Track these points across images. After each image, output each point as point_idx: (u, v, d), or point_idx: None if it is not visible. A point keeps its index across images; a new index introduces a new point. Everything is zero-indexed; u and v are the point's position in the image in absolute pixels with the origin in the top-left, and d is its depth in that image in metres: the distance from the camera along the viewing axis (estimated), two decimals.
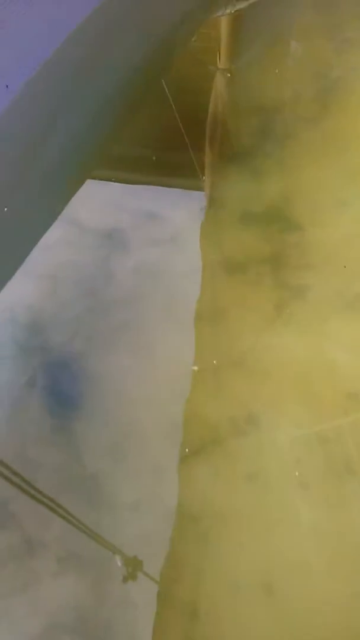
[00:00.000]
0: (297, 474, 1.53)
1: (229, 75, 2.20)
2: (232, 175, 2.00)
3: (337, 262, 1.81)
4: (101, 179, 2.11)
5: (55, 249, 1.92)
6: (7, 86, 1.93)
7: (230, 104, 2.15)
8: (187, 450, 1.57)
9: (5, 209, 1.88)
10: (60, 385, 1.67)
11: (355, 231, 1.86)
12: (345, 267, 1.77)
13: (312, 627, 1.34)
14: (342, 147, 1.98)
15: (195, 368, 1.69)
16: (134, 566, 1.43)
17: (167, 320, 1.77)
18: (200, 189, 2.03)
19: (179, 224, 1.95)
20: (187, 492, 1.53)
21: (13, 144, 1.99)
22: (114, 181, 2.10)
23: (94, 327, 1.77)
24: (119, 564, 1.43)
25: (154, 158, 2.08)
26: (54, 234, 1.94)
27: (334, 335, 1.71)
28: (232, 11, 2.40)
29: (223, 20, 2.39)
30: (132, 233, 1.94)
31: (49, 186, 2.02)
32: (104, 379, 1.68)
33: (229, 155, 2.05)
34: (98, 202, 2.03)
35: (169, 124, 2.10)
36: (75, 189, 2.02)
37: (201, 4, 2.38)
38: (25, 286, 1.85)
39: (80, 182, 2.03)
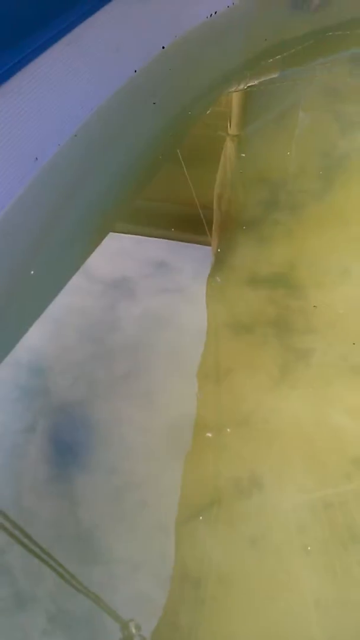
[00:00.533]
0: (300, 540, 1.51)
1: (239, 149, 2.33)
2: (239, 239, 2.08)
3: (341, 328, 1.86)
4: (115, 232, 2.19)
5: (61, 294, 1.95)
6: (36, 159, 2.05)
7: (238, 170, 2.26)
8: (190, 511, 1.55)
9: (32, 272, 1.94)
10: (60, 432, 1.66)
11: (356, 297, 1.92)
12: (354, 344, 1.82)
13: None
14: (344, 219, 2.08)
15: (199, 426, 1.69)
16: (127, 627, 1.38)
17: (170, 371, 1.79)
18: (208, 245, 2.10)
19: (187, 276, 2.00)
20: (189, 554, 1.50)
21: (39, 211, 2.10)
22: (127, 233, 2.18)
23: (97, 373, 1.78)
24: (121, 626, 1.38)
25: (165, 215, 2.17)
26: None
27: (338, 399, 1.74)
28: (245, 87, 2.57)
29: (236, 94, 2.56)
30: (140, 282, 1.99)
31: (70, 245, 2.10)
32: (104, 428, 1.67)
33: (236, 219, 2.14)
34: (108, 251, 2.09)
35: (182, 182, 2.21)
36: (95, 245, 2.09)
37: (216, 82, 2.56)
38: (28, 328, 1.87)
39: (101, 239, 2.11)
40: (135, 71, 2.41)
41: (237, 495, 1.58)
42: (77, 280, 1.99)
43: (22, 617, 1.38)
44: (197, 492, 1.60)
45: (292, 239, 2.05)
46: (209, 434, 1.69)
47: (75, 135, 2.22)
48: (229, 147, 2.36)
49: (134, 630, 1.39)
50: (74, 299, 1.95)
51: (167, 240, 2.14)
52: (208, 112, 2.50)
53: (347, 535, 1.51)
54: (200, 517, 1.54)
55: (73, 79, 2.15)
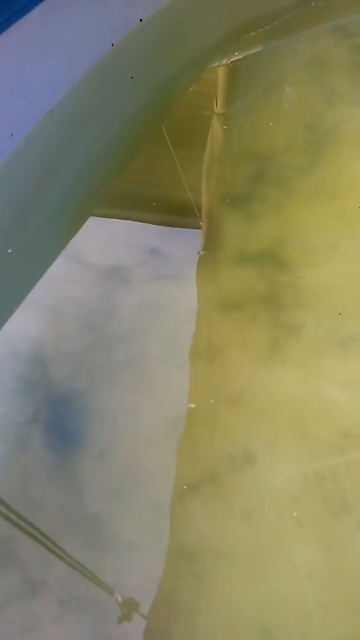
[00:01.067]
0: (293, 512, 1.52)
1: (225, 126, 2.31)
2: (228, 217, 2.06)
3: (330, 302, 1.86)
4: (103, 217, 2.17)
5: (57, 283, 1.95)
6: (12, 134, 2.01)
7: (226, 148, 2.25)
8: (185, 487, 1.56)
9: (10, 251, 1.92)
10: (63, 421, 1.67)
11: (346, 271, 1.92)
12: (340, 314, 1.82)
13: None
14: (332, 194, 2.07)
15: (193, 406, 1.70)
16: (129, 607, 1.40)
17: (169, 357, 1.79)
18: (198, 228, 2.09)
19: (181, 261, 1.99)
20: (184, 531, 1.52)
21: (15, 188, 2.06)
22: (116, 218, 2.16)
23: (96, 362, 1.78)
24: (119, 601, 1.40)
25: (153, 199, 2.15)
26: (56, 269, 1.97)
27: (328, 373, 1.74)
28: (229, 62, 2.53)
29: (219, 69, 2.53)
30: (135, 270, 1.98)
31: (51, 226, 2.07)
32: (105, 416, 1.68)
33: (224, 197, 2.12)
34: (101, 238, 2.07)
35: (169, 164, 2.19)
36: (77, 227, 2.07)
37: (198, 57, 2.52)
38: (26, 319, 1.87)
39: (82, 221, 2.09)
40: (113, 45, 2.35)
41: (230, 470, 1.60)
42: (63, 267, 1.98)
43: (35, 604, 1.40)
44: (191, 469, 1.61)
45: (280, 214, 2.04)
46: (203, 412, 1.70)
47: (52, 111, 2.16)
48: (216, 125, 2.34)
49: (132, 608, 1.40)
50: (47, 282, 1.94)
51: (155, 225, 2.13)
52: (191, 88, 2.47)
53: (339, 506, 1.53)
54: (194, 494, 1.56)
55: (47, 52, 2.09)
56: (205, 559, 1.48)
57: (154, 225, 2.13)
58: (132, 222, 2.13)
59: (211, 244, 2.02)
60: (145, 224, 2.12)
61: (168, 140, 2.22)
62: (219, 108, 2.37)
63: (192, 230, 2.12)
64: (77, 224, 2.07)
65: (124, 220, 2.15)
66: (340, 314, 1.84)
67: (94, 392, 1.72)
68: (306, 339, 1.81)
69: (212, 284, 1.96)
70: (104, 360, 1.79)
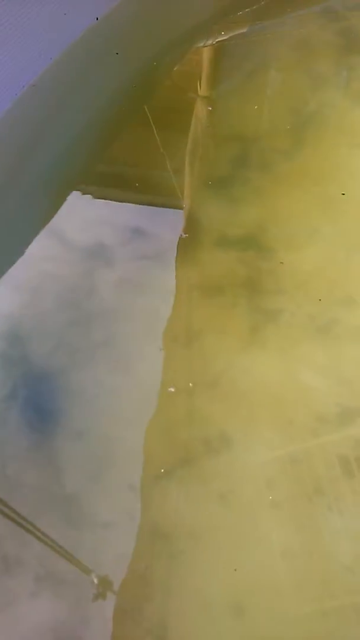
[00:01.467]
0: (268, 494, 1.55)
1: (210, 108, 2.28)
2: (210, 200, 2.06)
3: (309, 288, 1.87)
4: (86, 195, 2.14)
5: (37, 260, 1.93)
6: None
7: (210, 130, 2.23)
8: (162, 470, 1.58)
9: None
10: (41, 399, 1.67)
11: (326, 258, 1.93)
12: (320, 300, 1.83)
13: None
14: (314, 179, 2.07)
15: (172, 389, 1.71)
16: (104, 585, 1.42)
17: (147, 338, 1.79)
18: (181, 209, 2.08)
19: (163, 242, 1.99)
20: (160, 511, 1.54)
21: None
22: (99, 198, 2.14)
23: (75, 340, 1.78)
24: (94, 579, 1.42)
25: (136, 179, 2.13)
26: (37, 246, 1.95)
27: (305, 358, 1.76)
28: (214, 42, 2.50)
29: (205, 50, 2.49)
30: (117, 248, 1.97)
31: (31, 201, 2.04)
32: (83, 395, 1.68)
33: (207, 180, 2.11)
34: (84, 217, 2.05)
35: (152, 145, 2.16)
36: (58, 204, 2.04)
37: (183, 36, 2.48)
38: (4, 295, 1.85)
39: (63, 198, 2.06)
40: (97, 19, 2.29)
41: (207, 453, 1.62)
42: (44, 244, 1.96)
43: (11, 580, 1.41)
44: (168, 451, 1.63)
45: (262, 198, 2.04)
46: (180, 395, 1.71)
47: (34, 85, 2.12)
48: (200, 106, 2.31)
49: (106, 586, 1.43)
50: (27, 259, 1.92)
51: (138, 204, 2.11)
52: (176, 68, 2.44)
53: (312, 489, 1.56)
54: (171, 475, 1.58)
55: (30, 25, 2.04)
56: (180, 539, 1.50)
57: (136, 205, 2.11)
58: (114, 201, 2.12)
59: (193, 227, 2.01)
60: (128, 204, 2.11)
61: (151, 121, 2.20)
62: (203, 90, 2.34)
63: (175, 210, 2.11)
64: (58, 201, 2.04)
65: (106, 200, 2.13)
66: (320, 300, 1.85)
67: (72, 371, 1.72)
68: (285, 325, 1.82)
69: (193, 266, 1.96)
70: (83, 338, 1.78)
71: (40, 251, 1.95)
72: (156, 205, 2.12)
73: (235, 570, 1.46)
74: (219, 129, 2.22)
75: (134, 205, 2.11)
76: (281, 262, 1.85)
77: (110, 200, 2.13)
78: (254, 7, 2.60)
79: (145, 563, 1.48)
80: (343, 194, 1.96)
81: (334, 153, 2.10)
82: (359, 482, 1.56)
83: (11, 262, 1.89)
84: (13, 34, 1.99)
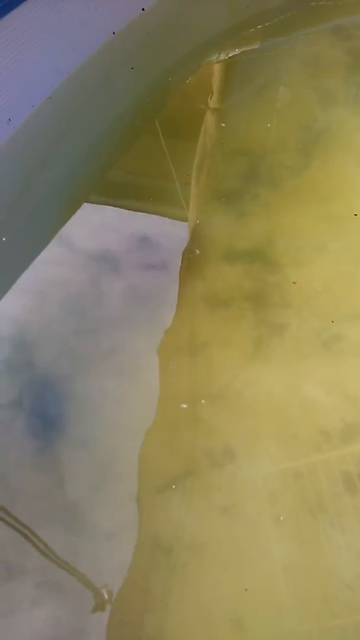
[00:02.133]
0: (271, 509, 1.55)
1: (220, 123, 2.31)
2: (218, 213, 2.07)
3: (315, 303, 1.88)
4: (95, 203, 2.16)
5: (44, 266, 1.94)
6: (9, 120, 2.00)
7: (219, 143, 2.25)
8: (164, 480, 1.58)
9: (4, 239, 1.91)
10: (45, 406, 1.67)
11: (332, 273, 1.94)
12: (333, 322, 1.84)
13: None
14: (322, 195, 2.08)
15: (175, 399, 1.71)
16: (104, 596, 1.42)
17: (153, 347, 1.80)
18: (187, 220, 2.10)
19: (171, 251, 2.00)
20: (161, 523, 1.54)
21: (12, 173, 2.05)
22: (108, 206, 2.15)
23: (81, 348, 1.78)
24: (94, 589, 1.42)
25: (145, 189, 2.15)
26: (44, 252, 1.96)
27: (310, 373, 1.77)
28: (226, 57, 2.53)
29: (216, 64, 2.52)
30: (125, 256, 1.98)
31: (45, 212, 2.06)
32: (88, 403, 1.68)
33: (215, 192, 2.13)
34: (92, 224, 2.06)
35: (162, 156, 2.19)
36: (70, 213, 2.06)
37: (197, 51, 2.51)
38: (10, 300, 1.86)
39: (76, 208, 2.08)
40: (114, 33, 2.33)
41: (210, 466, 1.62)
42: (51, 250, 1.97)
43: (12, 588, 1.41)
44: (171, 462, 1.63)
45: (270, 213, 2.05)
46: (185, 407, 1.71)
47: (50, 97, 2.15)
48: (209, 119, 2.34)
49: (106, 596, 1.42)
50: (35, 265, 1.93)
51: (146, 213, 2.12)
52: (188, 81, 2.46)
53: (315, 504, 1.56)
54: (174, 487, 1.58)
55: (49, 38, 2.07)
56: (182, 552, 1.50)
57: (144, 214, 2.13)
58: (123, 209, 2.13)
59: (200, 239, 2.03)
60: (136, 212, 2.12)
61: (160, 133, 2.22)
62: (213, 102, 2.36)
63: (182, 222, 2.12)
64: (70, 210, 2.06)
65: (115, 208, 2.15)
66: (325, 315, 1.86)
67: (77, 378, 1.72)
68: (290, 339, 1.83)
69: (200, 278, 1.97)
70: (88, 346, 1.79)
71: (48, 257, 1.96)
72: (164, 216, 2.13)
73: (236, 584, 1.46)
74: (228, 143, 2.24)
75: (143, 213, 2.12)
76: (294, 282, 1.87)
77: (119, 207, 2.14)
78: (266, 24, 2.63)
79: (145, 575, 1.48)
80: (355, 215, 1.98)
81: (342, 170, 2.12)
82: None
83: (22, 269, 1.90)
84: (30, 46, 2.02)
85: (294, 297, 1.90)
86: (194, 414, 1.71)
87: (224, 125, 2.29)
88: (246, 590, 1.44)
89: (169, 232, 2.07)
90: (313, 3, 2.71)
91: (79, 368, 1.74)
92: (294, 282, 1.85)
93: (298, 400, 1.73)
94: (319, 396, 1.73)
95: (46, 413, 1.66)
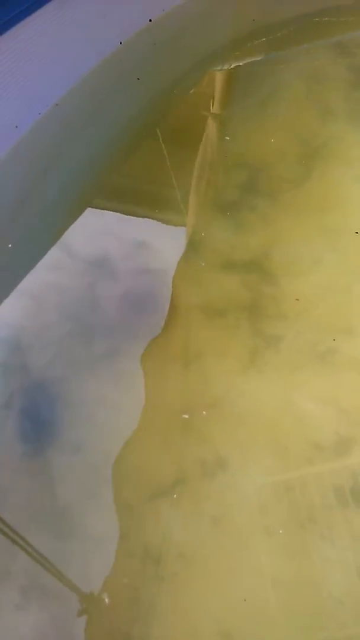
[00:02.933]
0: (261, 520, 1.55)
1: (221, 132, 2.32)
2: (216, 222, 2.08)
3: (311, 315, 1.89)
4: (96, 208, 2.16)
5: (41, 270, 1.93)
6: (16, 127, 2.01)
7: (219, 155, 2.26)
8: (155, 489, 1.57)
9: (10, 246, 1.91)
10: (38, 409, 1.66)
11: (327, 286, 1.95)
12: (321, 327, 1.85)
13: None
14: (319, 209, 2.10)
15: (170, 408, 1.71)
16: (92, 603, 1.40)
17: (148, 356, 1.79)
18: (184, 227, 2.10)
19: (168, 257, 2.00)
20: (151, 532, 1.53)
21: (18, 179, 2.06)
22: (108, 210, 2.15)
23: (76, 352, 1.77)
24: (82, 600, 1.40)
25: (146, 195, 2.15)
26: (44, 258, 1.96)
27: (304, 385, 1.77)
28: (230, 67, 2.55)
29: (219, 74, 2.54)
30: (122, 262, 1.97)
31: (49, 218, 2.07)
32: (81, 407, 1.68)
33: (214, 202, 2.14)
34: (89, 229, 2.06)
35: (164, 164, 2.19)
36: (74, 218, 2.07)
37: (201, 62, 2.54)
38: (8, 305, 1.85)
39: (79, 212, 2.09)
40: (121, 42, 2.35)
41: (202, 475, 1.61)
42: (55, 256, 1.97)
43: None
44: (163, 471, 1.62)
45: (268, 225, 2.06)
46: (178, 416, 1.71)
47: (57, 105, 2.16)
48: (211, 128, 2.35)
49: (94, 604, 1.41)
50: (53, 274, 1.93)
51: (147, 219, 2.13)
52: (192, 91, 2.48)
53: (305, 516, 1.56)
54: (164, 496, 1.57)
55: (56, 48, 2.09)
56: (171, 562, 1.49)
57: (144, 219, 2.13)
58: (122, 214, 2.13)
59: (196, 246, 2.03)
60: (136, 218, 2.13)
61: (161, 141, 2.23)
62: (215, 112, 2.38)
63: (181, 229, 2.13)
64: (73, 215, 2.06)
65: (116, 213, 2.15)
66: (320, 328, 1.87)
67: (71, 383, 1.72)
68: (285, 350, 1.83)
69: (196, 287, 1.97)
70: (83, 351, 1.78)
71: (46, 262, 1.95)
72: (163, 222, 2.14)
73: (225, 596, 1.45)
74: (229, 153, 2.25)
75: (142, 219, 2.13)
76: (297, 299, 1.88)
77: (119, 212, 2.15)
78: (270, 37, 2.66)
79: (134, 583, 1.46)
80: (357, 233, 2.00)
81: (339, 184, 2.13)
82: (353, 512, 1.56)
83: (24, 274, 1.90)
84: (38, 54, 2.03)
85: (290, 309, 1.90)
86: (187, 422, 1.70)
87: (226, 137, 2.31)
88: (235, 602, 1.44)
89: (167, 239, 2.08)
90: (316, 19, 2.74)
91: (73, 371, 1.74)
92: (296, 299, 1.86)
93: (291, 412, 1.73)
94: (312, 409, 1.73)
95: (39, 417, 1.65)
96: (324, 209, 2.10)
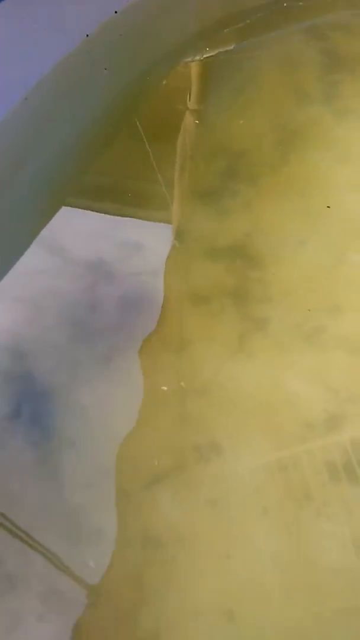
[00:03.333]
0: (258, 501, 1.57)
1: (197, 122, 2.34)
2: (199, 211, 2.10)
3: (297, 297, 1.92)
4: (78, 208, 2.17)
5: (37, 276, 1.95)
6: None
7: (198, 143, 2.28)
8: (153, 476, 1.59)
9: None
10: (45, 416, 1.68)
11: (312, 267, 1.98)
12: (309, 310, 1.87)
13: None
14: (300, 192, 2.12)
15: (164, 395, 1.73)
16: (97, 593, 1.43)
17: (146, 351, 1.82)
18: (171, 220, 2.12)
19: (163, 256, 2.02)
20: (151, 519, 1.55)
21: None
22: (91, 210, 2.16)
23: (78, 357, 1.79)
24: (87, 588, 1.43)
25: (128, 191, 2.17)
26: (36, 261, 1.97)
27: (293, 366, 1.80)
28: (202, 58, 2.56)
29: (193, 65, 2.56)
30: (118, 263, 1.99)
31: (20, 215, 2.06)
32: (87, 411, 1.70)
33: (196, 192, 2.16)
34: (82, 231, 2.08)
35: (144, 157, 2.21)
36: (48, 216, 2.07)
37: (171, 52, 2.55)
38: (3, 311, 1.86)
39: (53, 211, 2.09)
40: (87, 35, 2.35)
41: (197, 460, 1.64)
42: (50, 260, 1.98)
43: (16, 600, 1.41)
44: (159, 459, 1.64)
45: (250, 210, 2.09)
46: (172, 404, 1.73)
47: (26, 99, 2.16)
48: (188, 120, 2.37)
49: (99, 593, 1.43)
50: (26, 275, 1.94)
51: (132, 218, 2.15)
52: (164, 82, 2.49)
53: (301, 494, 1.59)
54: (162, 483, 1.59)
55: (22, 41, 2.09)
56: (172, 546, 1.52)
57: (128, 218, 2.15)
58: (108, 214, 2.15)
59: (182, 236, 2.05)
60: (122, 217, 2.14)
61: (139, 134, 2.25)
62: (192, 103, 2.40)
63: (166, 222, 2.15)
64: (50, 213, 2.06)
65: (98, 212, 2.17)
66: (308, 309, 1.90)
67: (76, 386, 1.74)
68: (273, 333, 1.86)
69: (182, 276, 1.99)
70: (85, 354, 1.80)
71: (39, 265, 1.97)
72: (147, 217, 2.16)
73: (225, 576, 1.48)
74: (208, 142, 2.27)
75: (135, 219, 2.15)
76: (273, 274, 1.89)
77: (104, 212, 2.16)
78: (240, 24, 2.67)
79: (137, 570, 1.49)
80: (328, 207, 2.02)
81: (318, 166, 2.16)
82: (347, 487, 1.59)
83: (2, 276, 1.91)
84: (4, 52, 2.03)
85: (276, 291, 1.93)
86: (181, 410, 1.73)
87: (201, 125, 2.32)
88: (235, 580, 1.47)
89: (155, 234, 2.10)
90: (286, 4, 2.76)
91: (76, 376, 1.76)
92: (273, 274, 1.87)
93: (281, 393, 1.75)
94: (301, 389, 1.76)
95: (46, 421, 1.67)
96: (305, 192, 2.12)
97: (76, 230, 2.07)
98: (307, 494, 1.59)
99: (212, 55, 2.57)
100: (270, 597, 1.46)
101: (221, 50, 2.60)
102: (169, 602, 1.45)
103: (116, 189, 2.20)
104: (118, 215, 2.13)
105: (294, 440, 1.67)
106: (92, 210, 2.16)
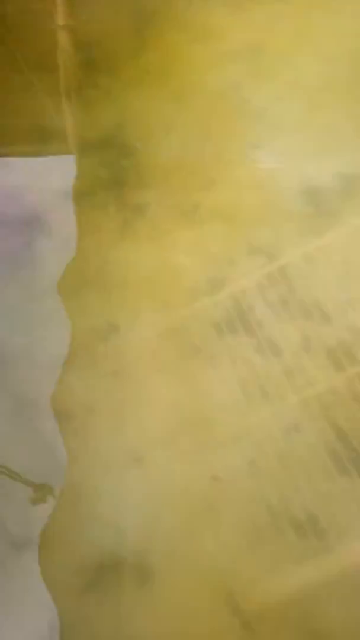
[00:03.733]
0: (154, 364, 1.73)
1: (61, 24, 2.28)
2: (65, 108, 2.11)
3: (171, 179, 2.01)
4: None
5: None
6: None
7: (58, 38, 2.22)
8: (59, 360, 1.71)
9: None
10: None
11: (182, 148, 2.05)
12: (181, 188, 1.95)
13: (179, 492, 1.54)
14: (162, 77, 2.16)
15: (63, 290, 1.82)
16: (43, 491, 1.56)
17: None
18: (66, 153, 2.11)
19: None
20: (60, 395, 1.69)
21: None
22: None
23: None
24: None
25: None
26: None
27: (174, 243, 1.92)
28: None
29: None
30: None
31: None
32: None
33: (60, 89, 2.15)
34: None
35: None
36: None
37: None
38: None
39: None
40: None
41: (97, 340, 1.77)
42: None
43: None
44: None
45: (115, 100, 2.12)
46: (69, 295, 1.83)
47: None
48: (61, 36, 2.30)
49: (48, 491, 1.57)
50: None
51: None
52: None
53: (191, 351, 1.76)
54: (68, 365, 1.72)
55: None
56: (82, 415, 1.66)
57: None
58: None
59: (55, 136, 2.06)
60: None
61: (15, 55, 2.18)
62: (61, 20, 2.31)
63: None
64: None
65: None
66: (180, 189, 2.00)
67: None
68: (152, 216, 1.97)
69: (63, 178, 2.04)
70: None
71: None
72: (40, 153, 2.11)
73: (135, 427, 1.64)
74: (67, 36, 2.23)
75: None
76: (146, 159, 1.93)
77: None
78: None
79: (53, 440, 1.64)
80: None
81: (175, 50, 2.19)
82: (230, 339, 1.77)
83: None
84: None
85: (151, 177, 2.01)
86: (76, 296, 1.84)
87: (64, 23, 2.28)
88: (144, 431, 1.64)
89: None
90: None
91: None
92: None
93: (167, 269, 1.89)
94: (184, 261, 1.90)
95: None
96: (166, 78, 2.16)
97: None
98: (197, 350, 1.75)
99: None
100: (175, 442, 1.64)
101: None
102: (85, 462, 1.61)
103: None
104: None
105: (181, 307, 1.82)
106: None
